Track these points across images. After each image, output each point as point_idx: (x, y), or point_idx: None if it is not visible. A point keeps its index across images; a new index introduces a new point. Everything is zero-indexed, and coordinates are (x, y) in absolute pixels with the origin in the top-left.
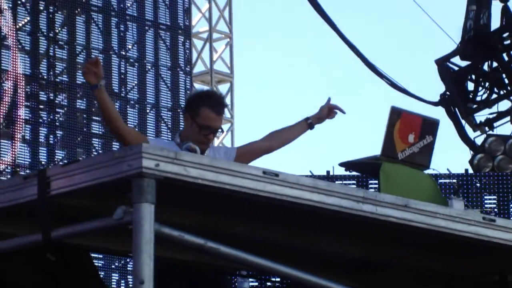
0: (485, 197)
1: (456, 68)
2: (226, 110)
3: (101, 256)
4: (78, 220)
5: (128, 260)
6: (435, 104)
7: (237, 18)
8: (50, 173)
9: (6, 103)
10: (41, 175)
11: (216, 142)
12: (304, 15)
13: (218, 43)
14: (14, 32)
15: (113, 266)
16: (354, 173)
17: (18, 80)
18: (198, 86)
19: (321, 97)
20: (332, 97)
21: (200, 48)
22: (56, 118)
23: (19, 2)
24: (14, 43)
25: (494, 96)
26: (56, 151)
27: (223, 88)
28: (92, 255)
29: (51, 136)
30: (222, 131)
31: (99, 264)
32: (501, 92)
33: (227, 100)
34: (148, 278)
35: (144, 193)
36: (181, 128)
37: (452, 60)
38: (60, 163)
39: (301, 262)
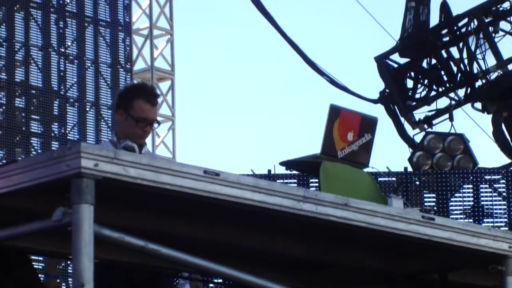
0: (425, 195)
1: (395, 66)
2: (167, 108)
3: (41, 258)
4: (17, 222)
5: (68, 262)
6: (374, 101)
7: (178, 14)
8: None
9: None
10: None
11: (157, 140)
12: (245, 12)
13: (158, 40)
14: None
15: None
16: (295, 172)
17: None
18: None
19: (262, 94)
20: (272, 93)
21: (141, 45)
22: None
23: None
24: None
25: (433, 93)
26: None
27: (164, 86)
28: (32, 257)
29: None
30: (159, 124)
31: (39, 267)
32: (440, 90)
33: (168, 98)
34: (88, 281)
35: (83, 194)
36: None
37: (391, 57)
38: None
39: (243, 262)
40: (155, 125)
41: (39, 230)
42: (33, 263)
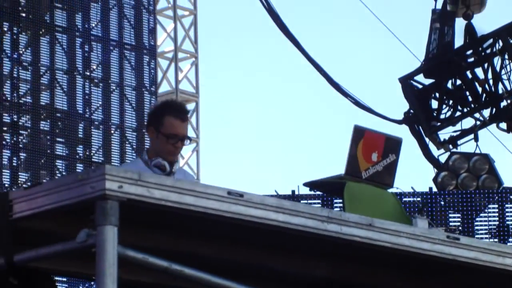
0: (450, 215)
1: (420, 86)
2: (191, 130)
3: (65, 279)
4: (42, 243)
5: (92, 283)
6: (399, 122)
7: (203, 37)
8: (12, 196)
9: None
10: (3, 198)
11: (181, 162)
12: (269, 34)
13: (183, 62)
14: None
15: None
16: (319, 192)
17: None
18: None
19: (286, 115)
20: (296, 114)
21: (166, 67)
22: (19, 140)
23: None
24: None
25: (458, 113)
26: (20, 173)
27: (188, 108)
28: (56, 278)
29: (14, 158)
30: (190, 140)
31: None
32: (465, 110)
33: (193, 120)
34: None
35: (108, 216)
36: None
37: (416, 78)
38: (24, 185)
39: (267, 283)
40: (186, 142)
41: (63, 252)
42: (57, 284)
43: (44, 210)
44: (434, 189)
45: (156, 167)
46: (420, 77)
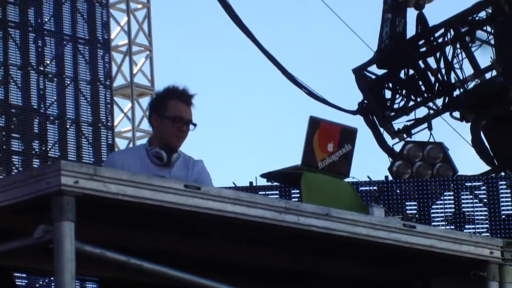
0: (406, 203)
1: (373, 77)
2: (147, 124)
3: (24, 275)
4: None
5: (51, 279)
6: (353, 112)
7: (156, 30)
8: None
9: None
10: None
11: None
12: (223, 26)
13: (138, 56)
14: None
15: (37, 285)
16: (276, 183)
17: None
18: (118, 100)
19: (242, 106)
20: (252, 107)
21: (120, 61)
22: None
23: None
24: None
25: (411, 103)
26: None
27: (144, 102)
28: (15, 274)
29: None
30: (195, 126)
31: (23, 284)
32: (418, 99)
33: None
34: None
35: (64, 211)
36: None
37: (369, 69)
38: None
39: (225, 274)
40: (192, 127)
41: (20, 248)
42: (17, 280)
43: (1, 206)
44: (390, 178)
45: (154, 156)
46: (373, 68)
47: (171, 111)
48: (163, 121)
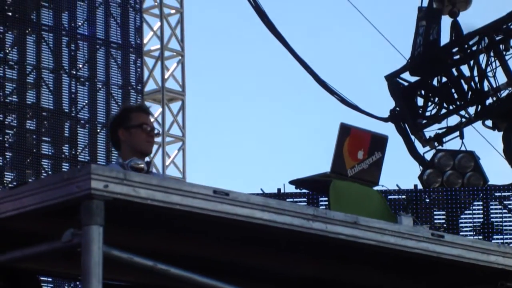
0: (435, 212)
1: (406, 84)
2: (177, 128)
3: (50, 279)
4: (27, 244)
5: (78, 283)
6: (385, 120)
7: (189, 36)
8: None
9: None
10: None
11: (167, 160)
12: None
13: (169, 61)
14: None
15: None
16: (304, 190)
17: None
18: (149, 104)
19: (272, 113)
20: (282, 112)
21: (152, 66)
22: (5, 139)
23: None
24: None
25: (444, 111)
26: (5, 173)
27: (174, 107)
28: (41, 278)
29: (0, 157)
30: (159, 133)
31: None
32: (450, 107)
33: (179, 119)
34: None
35: (93, 215)
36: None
37: (402, 76)
38: (9, 185)
39: (253, 282)
40: (157, 135)
41: (48, 252)
42: (43, 284)
43: (30, 210)
44: (419, 187)
45: (132, 167)
46: (406, 75)
47: (135, 120)
48: (131, 131)
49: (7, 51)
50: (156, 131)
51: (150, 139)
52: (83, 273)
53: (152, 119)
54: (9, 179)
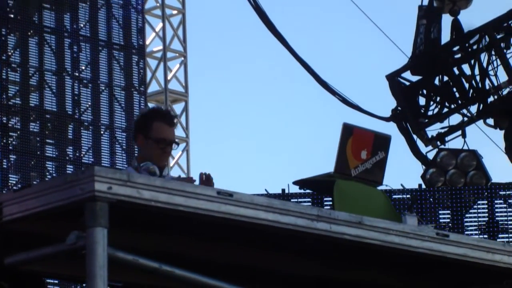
0: (439, 212)
1: (407, 83)
2: (181, 129)
3: (56, 281)
4: (32, 246)
5: (83, 285)
6: (387, 119)
7: (191, 37)
8: (2, 198)
9: None
10: None
11: (171, 161)
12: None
13: (172, 62)
14: None
15: None
16: (309, 191)
17: None
18: (152, 105)
19: (275, 113)
20: (285, 113)
21: (154, 67)
22: (9, 141)
23: None
24: None
25: (445, 110)
26: (10, 175)
27: (177, 108)
28: (47, 280)
29: (4, 160)
30: (178, 145)
31: None
32: (452, 106)
33: (182, 120)
34: None
35: (97, 217)
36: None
37: (403, 75)
38: (14, 188)
39: (258, 282)
40: (175, 146)
41: (53, 254)
42: (49, 286)
43: (34, 212)
44: (423, 186)
45: (146, 171)
46: (407, 74)
47: (155, 132)
48: (148, 142)
49: (10, 53)
50: (174, 147)
51: (164, 154)
52: (88, 275)
53: (174, 131)
54: (14, 182)
